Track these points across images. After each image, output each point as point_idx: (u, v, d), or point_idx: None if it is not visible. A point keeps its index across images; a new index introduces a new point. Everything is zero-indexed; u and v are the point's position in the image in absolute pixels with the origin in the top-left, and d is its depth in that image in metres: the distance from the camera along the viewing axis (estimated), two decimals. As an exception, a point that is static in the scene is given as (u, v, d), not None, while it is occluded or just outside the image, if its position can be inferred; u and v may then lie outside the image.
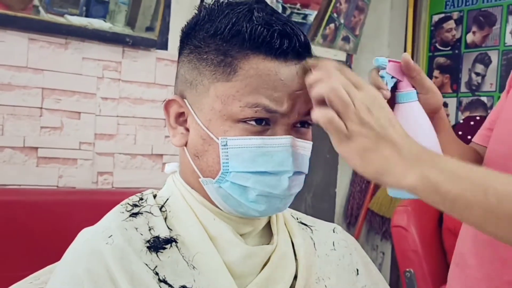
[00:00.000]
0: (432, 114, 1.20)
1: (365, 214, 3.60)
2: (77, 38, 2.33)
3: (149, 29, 2.51)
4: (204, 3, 0.99)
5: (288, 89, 0.92)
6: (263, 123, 0.92)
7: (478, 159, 1.49)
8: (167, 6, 2.56)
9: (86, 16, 2.33)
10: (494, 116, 1.47)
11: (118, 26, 2.42)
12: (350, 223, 3.65)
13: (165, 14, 2.54)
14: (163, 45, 2.58)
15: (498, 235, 0.90)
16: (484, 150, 1.45)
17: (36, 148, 2.26)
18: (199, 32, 0.96)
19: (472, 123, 2.41)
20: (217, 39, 0.94)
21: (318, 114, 0.86)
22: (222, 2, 0.98)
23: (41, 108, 2.27)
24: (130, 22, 2.46)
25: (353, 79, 0.87)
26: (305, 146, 0.97)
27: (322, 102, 0.88)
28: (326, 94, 0.85)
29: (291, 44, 0.92)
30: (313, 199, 3.14)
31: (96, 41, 2.38)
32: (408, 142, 0.88)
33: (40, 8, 2.21)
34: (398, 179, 0.86)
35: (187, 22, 1.01)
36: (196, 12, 1.00)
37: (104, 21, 2.38)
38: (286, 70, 0.92)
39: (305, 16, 3.10)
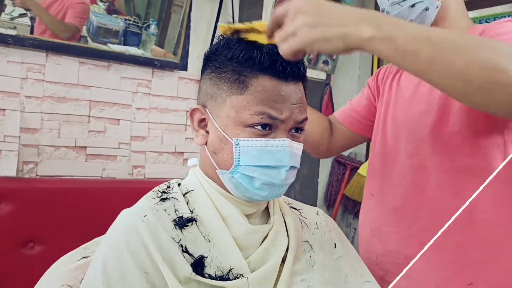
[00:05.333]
0: None
1: (341, 198, 3.63)
2: (117, 62, 2.33)
3: (173, 54, 2.51)
4: (223, 34, 1.00)
5: (287, 102, 0.94)
6: (267, 128, 0.94)
7: (329, 129, 1.52)
8: (187, 37, 2.56)
9: (124, 44, 2.33)
10: (364, 103, 1.51)
11: (149, 52, 2.42)
12: (329, 206, 3.67)
13: (185, 43, 2.54)
14: (184, 67, 2.58)
15: (439, 83, 0.86)
16: (342, 127, 1.51)
17: (85, 147, 2.26)
18: (219, 56, 0.97)
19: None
20: (233, 62, 0.95)
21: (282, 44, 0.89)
22: None
23: (89, 116, 2.27)
24: (158, 49, 2.47)
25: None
26: (298, 147, 0.99)
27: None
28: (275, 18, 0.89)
29: (291, 70, 0.94)
30: (301, 187, 3.19)
31: (132, 64, 2.38)
32: (348, 8, 0.86)
33: (88, 39, 2.22)
34: (358, 35, 0.82)
35: (209, 48, 1.02)
36: (217, 41, 1.00)
37: (138, 48, 2.38)
38: (286, 88, 0.94)
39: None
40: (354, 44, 0.83)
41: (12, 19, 2.02)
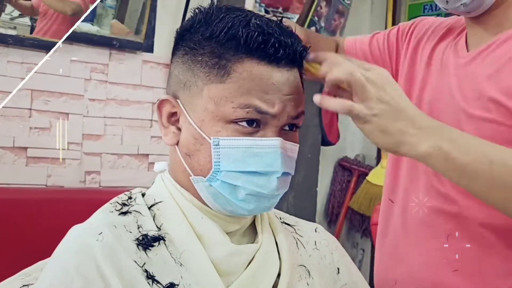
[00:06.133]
0: None
1: (345, 212, 3.59)
2: (65, 41, 2.31)
3: (135, 32, 2.51)
4: (200, 6, 0.99)
5: (279, 93, 0.93)
6: (254, 125, 0.93)
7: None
8: (153, 10, 2.55)
9: (74, 19, 2.34)
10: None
11: (105, 30, 2.42)
12: (331, 221, 3.63)
13: (151, 18, 2.53)
14: (149, 48, 2.57)
15: (501, 204, 1.00)
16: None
17: (25, 148, 2.27)
18: (194, 34, 0.97)
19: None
20: (212, 42, 0.94)
21: (336, 104, 0.92)
22: (218, 6, 0.98)
23: (30, 109, 2.27)
24: (117, 25, 2.47)
25: (359, 62, 0.92)
26: (293, 149, 0.98)
27: (334, 89, 0.96)
28: (345, 77, 0.89)
29: (285, 52, 0.93)
30: (295, 198, 3.08)
31: (84, 44, 2.38)
32: (419, 114, 0.94)
33: (29, 12, 2.27)
34: (413, 148, 0.92)
35: (182, 24, 1.01)
36: (191, 14, 0.99)
37: (92, 24, 2.39)
38: (279, 75, 0.93)
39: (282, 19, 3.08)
40: (405, 154, 0.96)
41: (12, 19, 2.20)
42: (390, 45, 1.49)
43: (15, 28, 2.22)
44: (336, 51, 1.55)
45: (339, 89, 0.95)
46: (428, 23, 1.44)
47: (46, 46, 2.24)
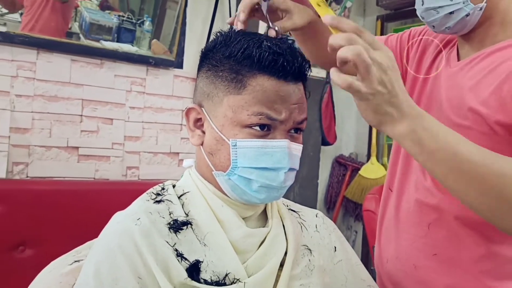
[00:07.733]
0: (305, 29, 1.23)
1: (341, 200, 3.66)
2: (110, 59, 2.34)
3: (168, 52, 2.52)
4: (221, 30, 1.01)
5: (286, 103, 0.95)
6: (265, 129, 0.95)
7: None
8: (183, 33, 2.57)
9: (117, 41, 2.34)
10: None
11: (143, 50, 2.42)
12: (329, 208, 3.71)
13: (180, 40, 2.55)
14: (179, 65, 2.58)
15: (454, 189, 0.95)
16: None
17: (77, 147, 2.27)
18: (216, 53, 0.98)
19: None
20: (231, 60, 0.96)
21: (339, 79, 0.85)
22: (235, 30, 1.02)
23: (81, 115, 2.27)
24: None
25: (370, 39, 0.85)
26: (298, 148, 1.00)
27: (343, 65, 0.88)
28: (352, 58, 0.83)
29: (291, 69, 0.95)
30: (300, 188, 3.19)
31: (125, 62, 2.39)
32: (407, 99, 0.89)
33: (80, 35, 2.23)
34: (392, 128, 0.89)
35: (206, 46, 1.03)
36: (214, 37, 1.01)
37: (132, 45, 2.39)
38: (286, 88, 0.95)
39: (294, 41, 3.09)
40: (384, 131, 0.92)
41: (1, 15, 2.03)
42: (401, 48, 1.45)
43: (5, 24, 2.03)
44: None
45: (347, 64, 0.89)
46: (433, 32, 1.34)
47: (37, 43, 2.10)
